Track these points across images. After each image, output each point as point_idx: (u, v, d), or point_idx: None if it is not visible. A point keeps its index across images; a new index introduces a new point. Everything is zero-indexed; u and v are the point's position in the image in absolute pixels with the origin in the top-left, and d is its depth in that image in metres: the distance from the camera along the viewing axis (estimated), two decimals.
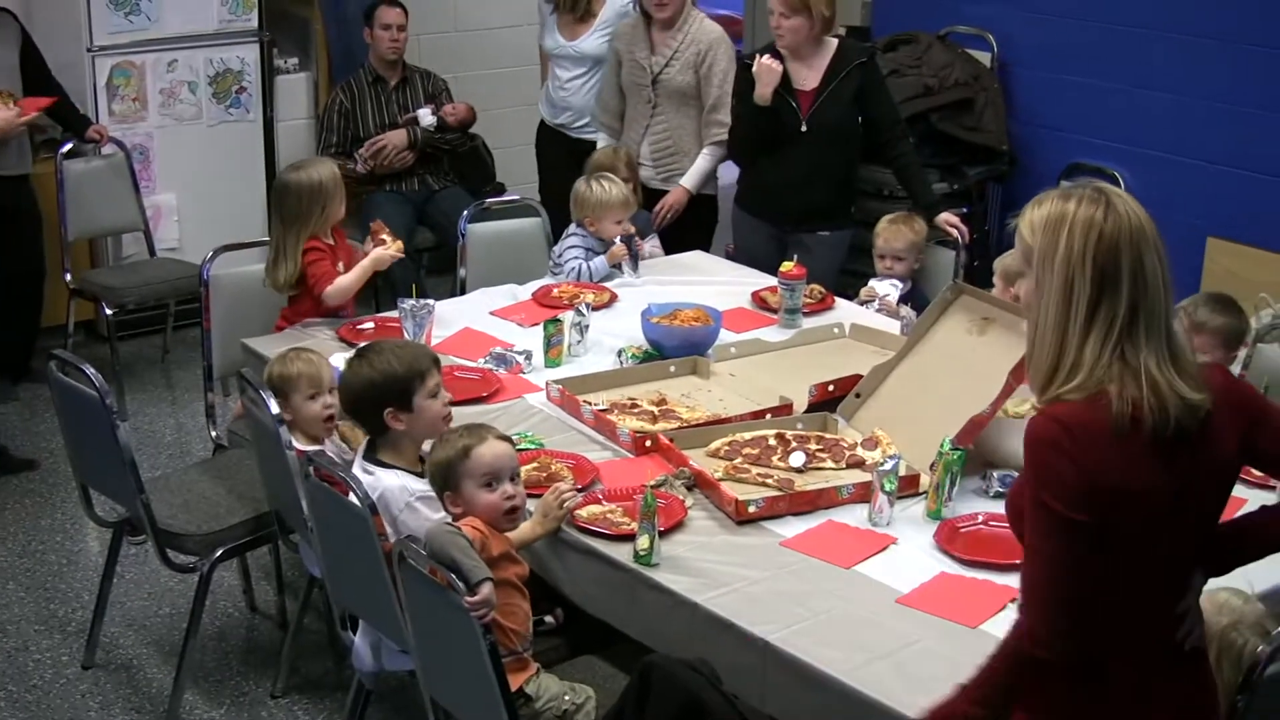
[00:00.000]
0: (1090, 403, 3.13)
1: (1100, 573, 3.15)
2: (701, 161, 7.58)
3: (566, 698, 4.18)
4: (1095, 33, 8.37)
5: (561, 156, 8.24)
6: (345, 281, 6.01)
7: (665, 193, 7.67)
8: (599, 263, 6.64)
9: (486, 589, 3.89)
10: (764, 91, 6.91)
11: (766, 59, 6.88)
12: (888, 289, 6.45)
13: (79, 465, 5.70)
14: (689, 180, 7.55)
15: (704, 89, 7.51)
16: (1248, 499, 4.66)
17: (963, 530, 4.43)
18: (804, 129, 6.99)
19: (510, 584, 4.16)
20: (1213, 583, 3.68)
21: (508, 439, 4.35)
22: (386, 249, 6.08)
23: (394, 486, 4.46)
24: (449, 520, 4.23)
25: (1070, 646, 3.15)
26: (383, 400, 4.60)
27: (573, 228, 6.81)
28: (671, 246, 7.23)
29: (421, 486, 4.47)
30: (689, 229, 7.57)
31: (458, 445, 4.23)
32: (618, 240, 6.66)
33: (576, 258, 6.67)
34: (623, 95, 7.85)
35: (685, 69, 7.52)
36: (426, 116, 8.68)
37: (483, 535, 4.12)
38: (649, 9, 7.56)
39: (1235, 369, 6.17)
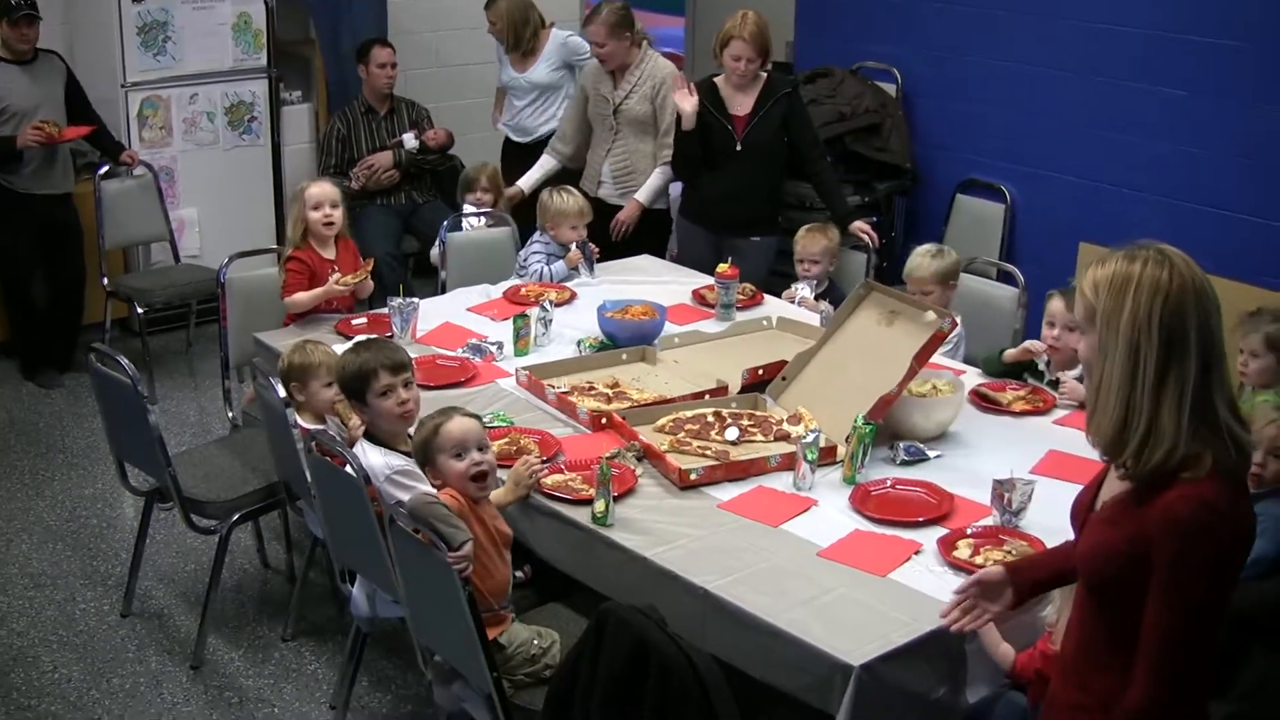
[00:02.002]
0: (1217, 477, 2.84)
1: (1216, 628, 2.93)
2: (654, 179, 7.54)
3: (535, 642, 4.17)
4: (985, 68, 8.37)
5: (520, 171, 8.23)
6: (301, 298, 5.99)
7: (621, 208, 7.64)
8: (559, 266, 6.64)
9: (467, 548, 3.92)
10: (687, 124, 6.97)
11: (681, 92, 6.94)
12: (804, 289, 6.47)
13: (115, 442, 5.68)
14: (642, 195, 7.52)
15: (659, 116, 7.49)
16: None
17: (874, 493, 4.44)
18: (738, 148, 7.00)
19: (487, 552, 4.16)
20: None
21: (474, 416, 4.33)
22: (341, 279, 6.02)
23: (378, 463, 4.43)
24: (429, 492, 4.23)
25: (1188, 711, 2.96)
26: (345, 393, 4.65)
27: (536, 235, 6.81)
28: (632, 253, 7.22)
29: (399, 463, 4.44)
30: (646, 238, 7.54)
31: (430, 426, 4.23)
32: (574, 247, 6.67)
33: (539, 261, 6.68)
34: (581, 129, 7.82)
35: (642, 100, 7.50)
36: (410, 140, 8.65)
37: (459, 503, 4.12)
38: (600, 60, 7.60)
39: None
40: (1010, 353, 5.53)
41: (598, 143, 7.74)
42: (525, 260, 6.74)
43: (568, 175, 7.84)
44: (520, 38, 8.37)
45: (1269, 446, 4.25)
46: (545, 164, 7.98)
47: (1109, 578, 2.96)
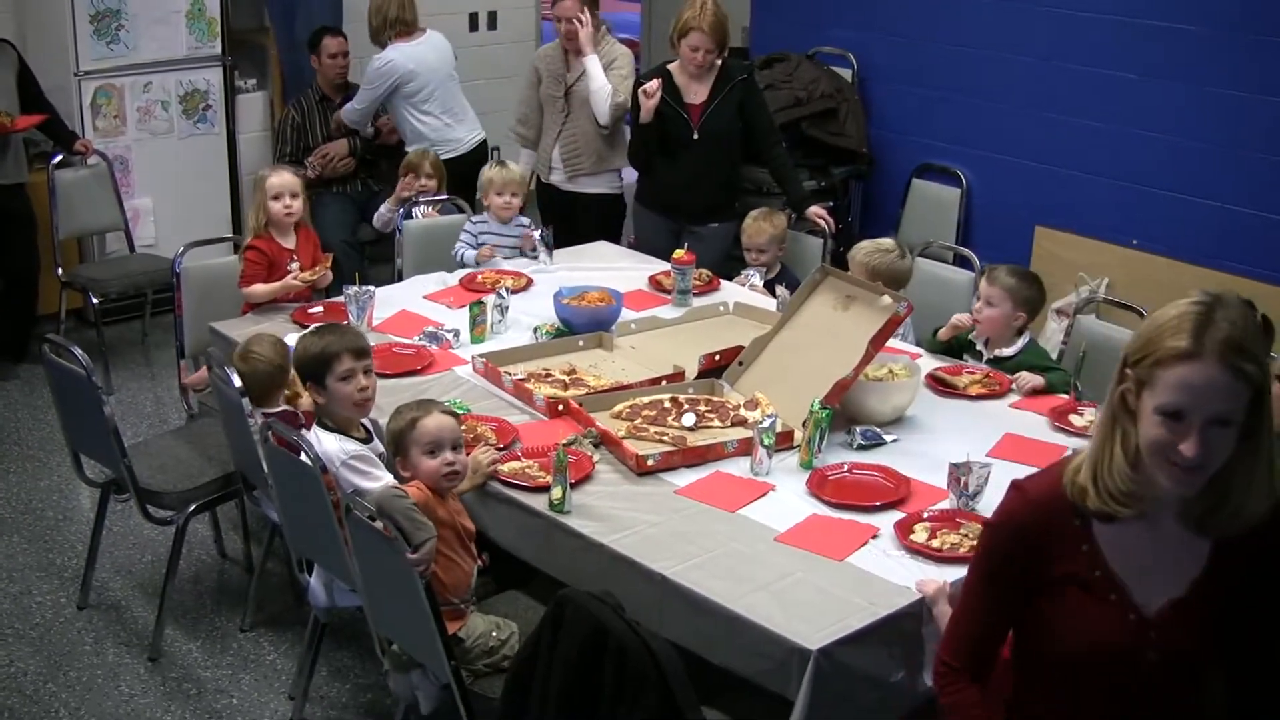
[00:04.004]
0: None
1: None
2: (602, 74, 7.51)
3: (494, 634, 4.18)
4: (940, 53, 8.40)
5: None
6: (258, 289, 5.99)
7: (573, 194, 7.66)
8: (469, 254, 6.67)
9: (427, 548, 3.92)
10: (645, 116, 6.96)
11: (652, 85, 6.91)
12: (754, 277, 6.51)
13: (71, 434, 5.64)
14: (592, 60, 7.46)
15: (608, 74, 7.50)
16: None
17: (830, 477, 4.44)
18: (695, 137, 7.00)
19: (451, 545, 4.16)
20: None
21: (453, 413, 4.32)
22: (297, 276, 6.05)
23: (333, 449, 4.44)
24: (395, 484, 4.23)
25: None
26: (304, 375, 4.65)
27: (467, 222, 6.86)
28: (585, 238, 7.19)
29: (354, 448, 4.47)
30: (600, 224, 7.54)
31: (407, 418, 4.21)
32: (537, 234, 6.67)
33: (461, 246, 6.72)
34: (538, 109, 7.79)
35: None
36: (366, 128, 8.64)
37: (425, 496, 4.11)
38: (562, 42, 7.56)
39: (1057, 338, 6.23)
40: (942, 331, 5.60)
41: (548, 126, 7.72)
42: (454, 249, 6.80)
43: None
44: (372, 30, 8.38)
45: None
46: (526, 157, 7.94)
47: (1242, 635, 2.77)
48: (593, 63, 7.42)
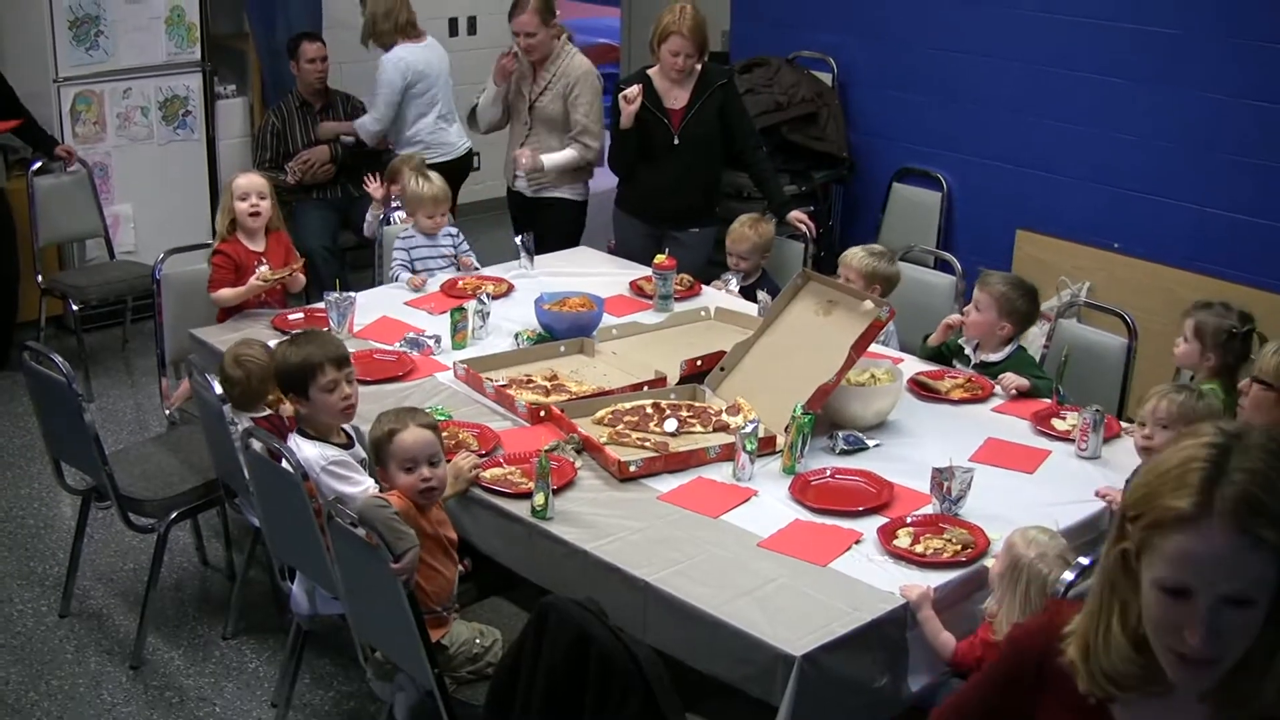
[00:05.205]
0: None
1: None
2: (563, 155, 7.43)
3: (477, 641, 4.17)
4: (920, 57, 8.41)
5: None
6: (227, 293, 5.94)
7: (539, 200, 7.60)
8: (404, 276, 6.51)
9: (409, 557, 3.90)
10: (626, 122, 6.94)
11: (632, 91, 6.89)
12: (733, 282, 6.52)
13: (51, 441, 5.62)
14: (548, 160, 7.39)
15: (571, 115, 7.43)
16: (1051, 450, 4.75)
17: (813, 483, 4.44)
18: (676, 142, 6.99)
19: (432, 553, 4.14)
20: (1022, 519, 3.75)
21: (432, 426, 4.28)
22: (262, 274, 5.98)
23: (312, 455, 4.42)
24: (377, 492, 4.23)
25: None
26: (285, 386, 4.62)
27: (398, 239, 6.74)
28: (547, 246, 7.08)
29: (334, 453, 4.46)
30: (559, 232, 7.48)
31: (384, 429, 4.19)
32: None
33: (395, 265, 6.64)
34: (504, 110, 7.74)
35: (556, 99, 7.41)
36: (347, 135, 8.63)
37: (406, 505, 4.10)
38: (521, 54, 7.51)
39: (1039, 342, 6.23)
40: (933, 336, 5.64)
41: (514, 135, 7.68)
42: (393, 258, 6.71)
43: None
44: (380, 34, 8.34)
45: (1153, 418, 4.40)
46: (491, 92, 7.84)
47: None
48: (549, 160, 7.39)
